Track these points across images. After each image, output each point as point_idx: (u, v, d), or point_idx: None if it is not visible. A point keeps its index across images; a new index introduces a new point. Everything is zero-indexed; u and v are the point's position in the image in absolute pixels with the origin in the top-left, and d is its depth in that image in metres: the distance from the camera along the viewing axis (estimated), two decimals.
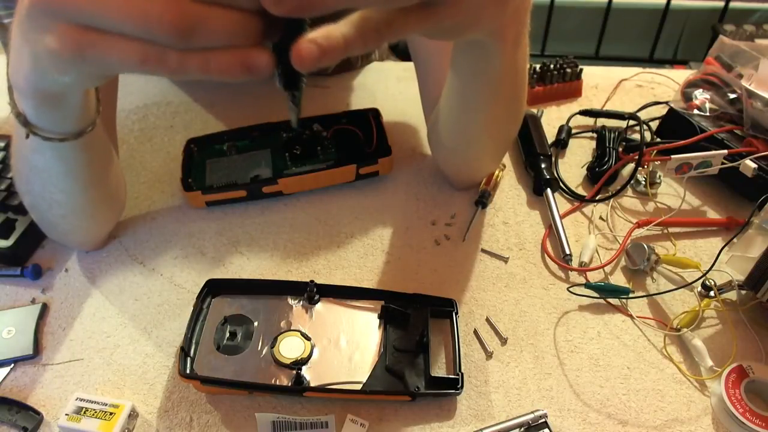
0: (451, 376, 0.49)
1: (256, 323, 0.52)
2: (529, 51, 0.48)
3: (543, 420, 0.47)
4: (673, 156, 0.61)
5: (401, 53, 0.95)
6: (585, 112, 0.75)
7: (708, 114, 0.67)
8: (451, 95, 0.53)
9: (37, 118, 0.41)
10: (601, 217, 0.64)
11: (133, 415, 0.48)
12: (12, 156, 0.50)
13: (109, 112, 0.63)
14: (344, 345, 0.51)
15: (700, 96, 0.69)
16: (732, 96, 0.67)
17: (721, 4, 1.32)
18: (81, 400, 0.47)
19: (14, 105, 0.41)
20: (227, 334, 0.51)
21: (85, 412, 0.46)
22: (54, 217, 0.55)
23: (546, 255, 0.61)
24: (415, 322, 0.53)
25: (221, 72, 0.29)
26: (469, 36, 0.39)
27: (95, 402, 0.47)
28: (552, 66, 0.79)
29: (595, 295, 0.56)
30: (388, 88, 0.81)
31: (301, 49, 0.28)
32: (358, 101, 0.79)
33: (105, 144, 0.52)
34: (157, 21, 0.27)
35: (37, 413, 0.48)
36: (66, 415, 0.46)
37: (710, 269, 0.56)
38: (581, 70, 0.80)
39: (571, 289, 0.56)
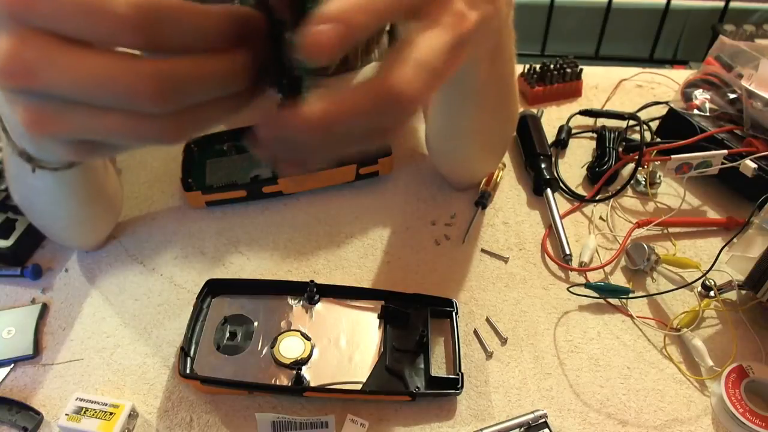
0: (451, 376, 0.49)
1: (256, 323, 0.52)
2: (515, 58, 0.47)
3: (543, 420, 0.47)
4: (673, 156, 0.61)
5: None
6: (585, 112, 0.75)
7: (708, 114, 0.67)
8: (436, 104, 0.53)
9: (40, 154, 0.40)
10: (601, 217, 0.64)
11: (133, 415, 0.48)
12: (6, 172, 0.48)
13: None
14: (344, 345, 0.51)
15: (700, 96, 0.69)
16: (732, 96, 0.67)
17: (721, 4, 1.32)
18: (81, 400, 0.47)
19: (14, 145, 0.39)
20: (227, 334, 0.51)
21: (85, 412, 0.46)
22: (55, 229, 0.56)
23: (546, 255, 0.61)
24: (415, 322, 0.53)
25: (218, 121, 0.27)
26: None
27: (95, 402, 0.47)
28: (552, 66, 0.79)
29: (595, 295, 0.56)
30: None
31: (320, 33, 0.24)
32: None
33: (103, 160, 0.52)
34: (129, 89, 0.23)
35: (37, 413, 0.48)
36: (66, 415, 0.46)
37: (710, 269, 0.56)
38: (581, 70, 0.80)
39: (571, 289, 0.56)
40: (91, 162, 0.47)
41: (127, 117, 0.24)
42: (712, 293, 0.55)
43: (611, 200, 0.65)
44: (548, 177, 0.65)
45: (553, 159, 0.71)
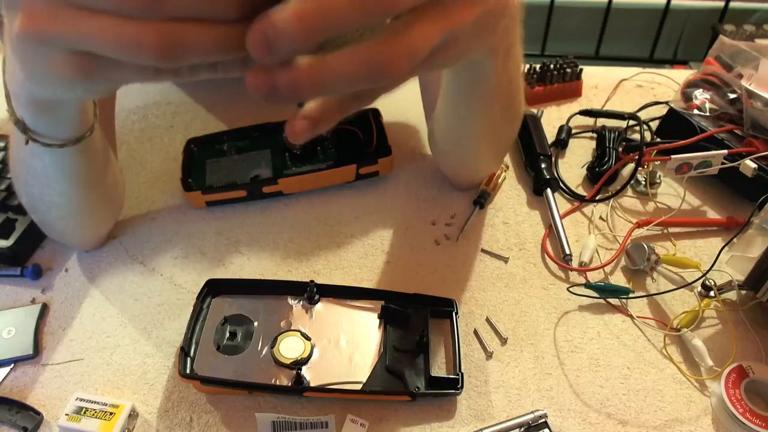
0: (451, 376, 0.49)
1: (256, 323, 0.52)
2: (522, 56, 0.47)
3: (543, 420, 0.47)
4: (673, 156, 0.61)
5: None
6: (585, 112, 0.75)
7: (708, 114, 0.67)
8: (446, 104, 0.54)
9: (36, 125, 0.41)
10: (601, 217, 0.64)
11: (133, 415, 0.48)
12: (10, 158, 0.50)
13: (108, 113, 0.63)
14: (344, 345, 0.51)
15: (700, 96, 0.69)
16: (732, 96, 0.67)
17: (721, 4, 1.32)
18: (81, 400, 0.47)
19: (12, 112, 0.41)
20: (227, 334, 0.51)
21: (85, 412, 0.47)
22: (53, 219, 0.55)
23: (546, 255, 0.61)
24: (415, 322, 0.53)
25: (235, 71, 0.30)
26: (462, 62, 0.39)
27: (95, 402, 0.47)
28: (552, 66, 0.79)
29: (595, 295, 0.56)
30: None
31: (295, 126, 0.29)
32: None
33: (103, 146, 0.52)
34: (139, 48, 0.25)
35: (37, 413, 0.48)
36: (66, 415, 0.46)
37: (710, 269, 0.56)
38: (581, 70, 0.79)
39: (571, 289, 0.56)
40: (90, 148, 0.47)
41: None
42: (712, 293, 0.55)
43: (611, 200, 0.65)
44: (548, 177, 0.65)
45: (553, 159, 0.71)
